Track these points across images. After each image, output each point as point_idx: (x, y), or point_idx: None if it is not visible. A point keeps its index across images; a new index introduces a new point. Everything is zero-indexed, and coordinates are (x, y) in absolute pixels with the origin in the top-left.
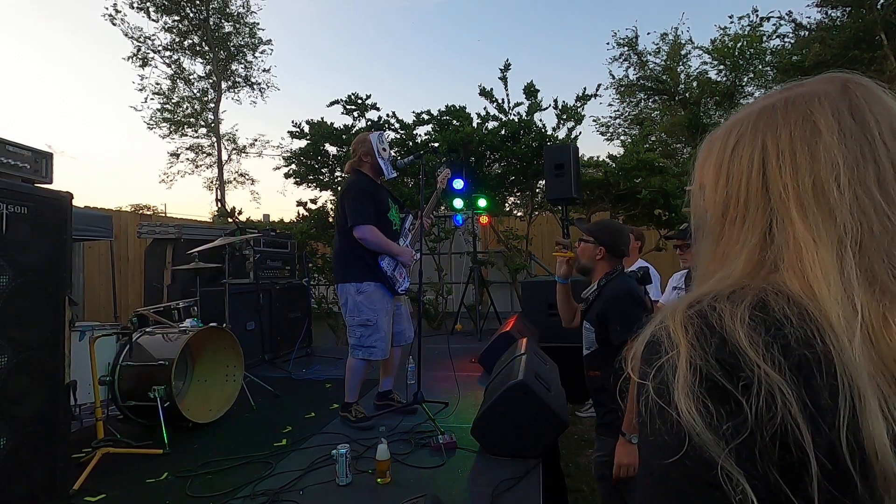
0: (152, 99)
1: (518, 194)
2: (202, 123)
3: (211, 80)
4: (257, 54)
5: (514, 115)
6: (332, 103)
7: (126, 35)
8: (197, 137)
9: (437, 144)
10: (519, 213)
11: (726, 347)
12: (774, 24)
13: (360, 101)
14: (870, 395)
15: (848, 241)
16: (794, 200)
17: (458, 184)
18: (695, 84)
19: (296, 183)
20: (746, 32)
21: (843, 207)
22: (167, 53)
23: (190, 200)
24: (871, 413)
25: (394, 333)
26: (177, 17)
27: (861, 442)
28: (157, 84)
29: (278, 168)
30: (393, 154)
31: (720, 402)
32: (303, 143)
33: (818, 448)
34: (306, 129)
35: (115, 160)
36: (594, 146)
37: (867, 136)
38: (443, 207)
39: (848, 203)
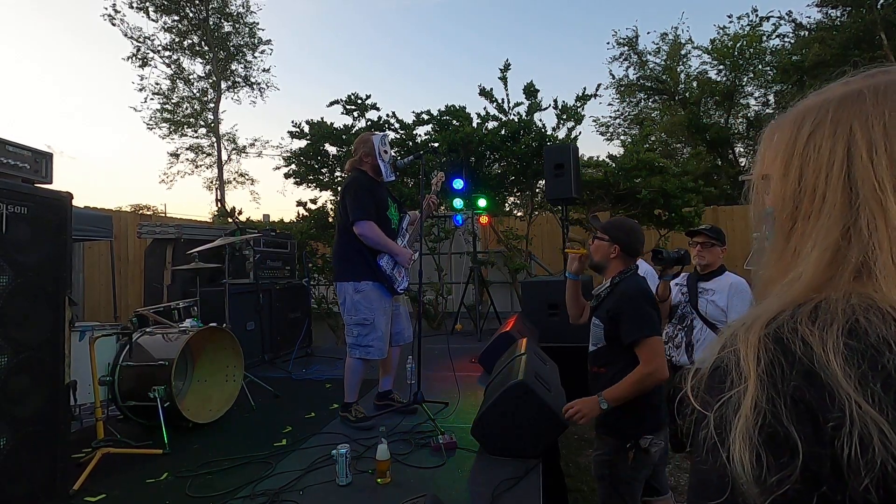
0: (152, 99)
1: (518, 194)
2: (202, 123)
3: (210, 80)
4: (257, 54)
5: (513, 115)
6: (331, 103)
7: (125, 35)
8: (197, 137)
9: (437, 144)
10: (519, 213)
11: (813, 383)
12: (774, 24)
13: (359, 102)
14: None
15: None
16: (892, 195)
17: (458, 184)
18: (695, 84)
19: (296, 183)
20: (746, 32)
21: None
22: (167, 53)
23: (190, 200)
24: None
25: (392, 333)
26: (176, 17)
27: None
28: (157, 84)
29: (278, 168)
30: (393, 154)
31: (775, 452)
32: (303, 143)
33: None
34: (306, 129)
35: (115, 160)
36: (594, 146)
37: None
38: (443, 207)
39: None
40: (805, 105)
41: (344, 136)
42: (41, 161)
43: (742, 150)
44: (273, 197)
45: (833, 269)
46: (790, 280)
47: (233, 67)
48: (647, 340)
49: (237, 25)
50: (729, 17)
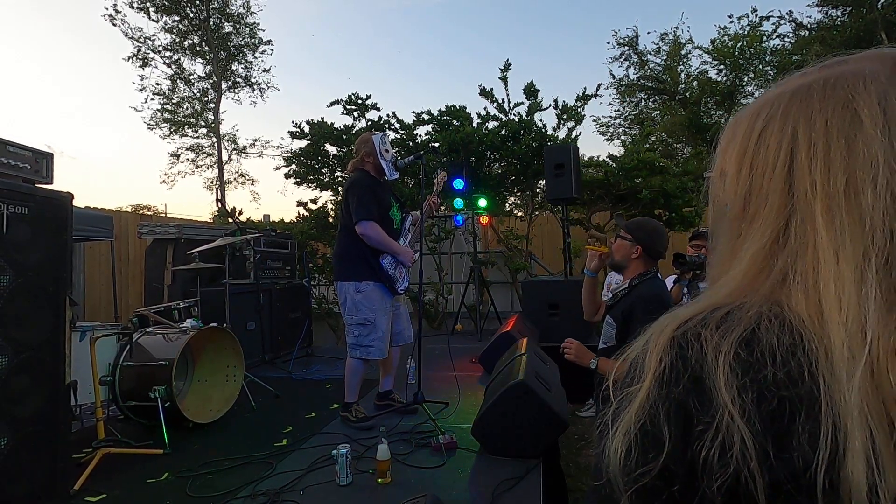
0: (152, 99)
1: (518, 194)
2: (202, 124)
3: (211, 81)
4: (257, 54)
5: (514, 115)
6: (332, 103)
7: (126, 35)
8: (197, 138)
9: (437, 144)
10: (519, 213)
11: (698, 388)
12: (774, 24)
13: (360, 102)
14: (857, 435)
15: (874, 254)
16: (821, 201)
17: (459, 184)
18: (695, 84)
19: (296, 183)
20: (746, 32)
21: (876, 214)
22: (167, 54)
23: (190, 201)
24: (854, 455)
25: (392, 333)
26: (177, 18)
27: (836, 486)
28: (158, 84)
29: (278, 168)
30: (394, 154)
31: (644, 449)
32: (303, 143)
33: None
34: (306, 129)
35: (116, 160)
36: (594, 146)
37: None
38: (443, 207)
39: (881, 210)
40: (764, 97)
41: (344, 137)
42: (42, 161)
43: None
44: (273, 197)
45: (761, 277)
46: (720, 283)
47: (233, 68)
48: None
49: (238, 26)
50: (729, 17)
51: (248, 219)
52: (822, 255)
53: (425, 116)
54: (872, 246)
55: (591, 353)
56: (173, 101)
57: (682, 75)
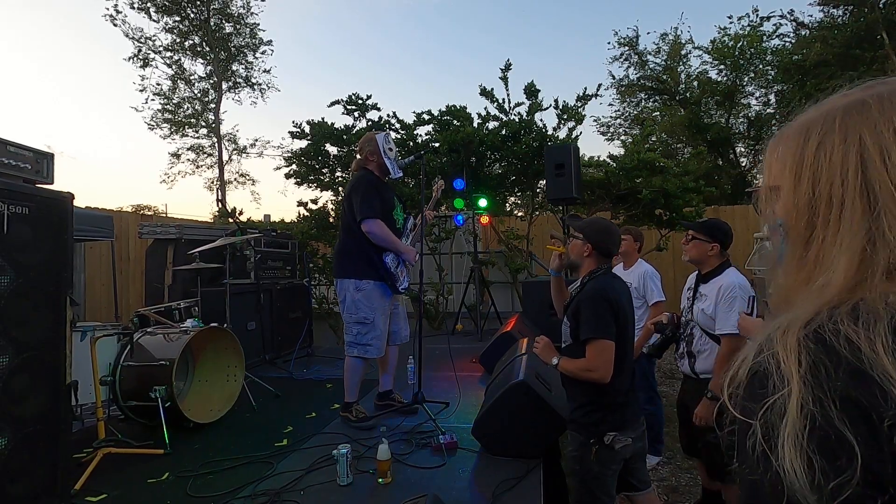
0: (153, 99)
1: (519, 194)
2: (203, 124)
3: (212, 81)
4: (258, 55)
5: (514, 115)
6: (332, 103)
7: (127, 36)
8: (198, 138)
9: (437, 144)
10: (520, 213)
11: (862, 381)
12: (775, 24)
13: (360, 102)
14: None
15: None
16: None
17: (459, 184)
18: (695, 84)
19: (296, 183)
20: (747, 33)
21: None
22: (168, 54)
23: (191, 201)
24: None
25: (390, 332)
26: (177, 18)
27: None
28: (158, 85)
29: (279, 168)
30: (397, 153)
31: (829, 457)
32: (303, 143)
33: None
34: (307, 129)
35: (116, 160)
36: (595, 146)
37: None
38: (444, 207)
39: None
40: (807, 117)
41: (345, 137)
42: (42, 161)
43: (743, 149)
44: (274, 197)
45: (862, 273)
46: (819, 286)
47: (234, 68)
48: (596, 342)
49: (238, 26)
50: (729, 17)
51: (248, 219)
52: None
53: (426, 116)
54: None
55: (554, 352)
56: (174, 102)
57: (683, 75)
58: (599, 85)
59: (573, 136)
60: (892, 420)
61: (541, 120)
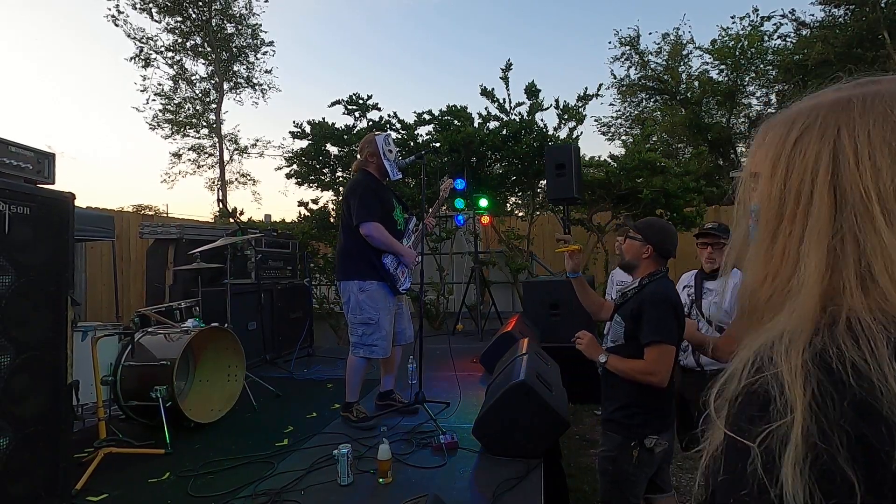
0: (154, 100)
1: (519, 194)
2: (204, 124)
3: (213, 81)
4: (259, 55)
5: (515, 115)
6: (333, 104)
7: (128, 36)
8: (199, 138)
9: (438, 144)
10: (520, 213)
11: (868, 416)
12: (775, 24)
13: (361, 102)
14: None
15: None
16: (877, 205)
17: (460, 184)
18: (696, 84)
19: (297, 183)
20: (748, 32)
21: None
22: (169, 54)
23: (191, 201)
24: None
25: (394, 332)
26: (179, 19)
27: None
28: (160, 85)
29: (280, 168)
30: (397, 154)
31: (826, 490)
32: (304, 143)
33: None
34: (308, 129)
35: (117, 161)
36: (595, 146)
37: None
38: (444, 207)
39: None
40: (798, 107)
41: (345, 137)
42: (43, 161)
43: (744, 149)
44: (275, 197)
45: (837, 278)
46: (793, 288)
47: (235, 68)
48: (658, 346)
49: (240, 27)
50: (731, 17)
51: (249, 219)
52: (893, 253)
53: (426, 116)
54: None
55: (601, 349)
56: (175, 102)
57: (684, 75)
58: (600, 85)
59: (574, 136)
60: None
61: (541, 120)
